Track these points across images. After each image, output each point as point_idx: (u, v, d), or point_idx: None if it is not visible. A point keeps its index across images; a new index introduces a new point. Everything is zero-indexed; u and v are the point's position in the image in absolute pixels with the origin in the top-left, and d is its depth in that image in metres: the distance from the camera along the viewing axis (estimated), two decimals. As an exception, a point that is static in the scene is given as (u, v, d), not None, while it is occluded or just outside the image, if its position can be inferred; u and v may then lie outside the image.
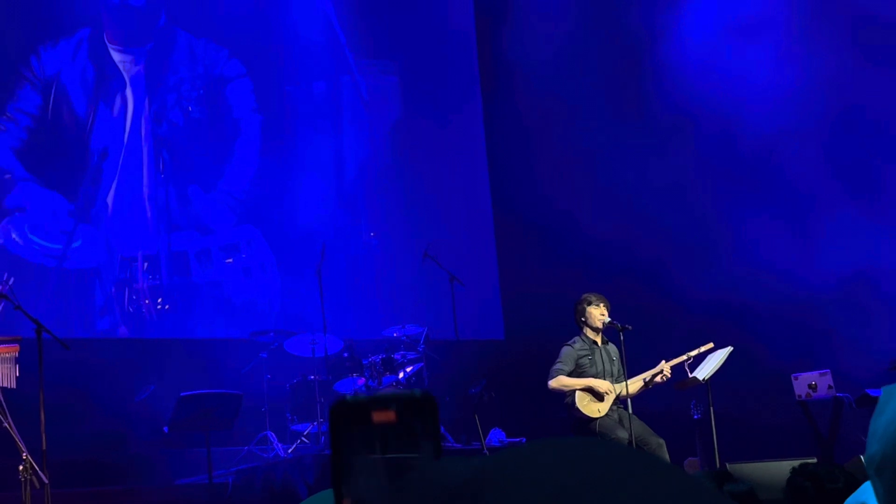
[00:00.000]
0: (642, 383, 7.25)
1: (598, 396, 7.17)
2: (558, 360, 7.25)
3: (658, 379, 7.23)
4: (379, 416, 0.79)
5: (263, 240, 10.42)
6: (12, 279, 6.30)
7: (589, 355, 7.25)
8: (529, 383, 8.52)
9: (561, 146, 10.70)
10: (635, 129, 10.29)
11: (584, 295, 7.40)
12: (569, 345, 7.31)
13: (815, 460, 4.92)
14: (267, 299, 10.33)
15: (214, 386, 8.14)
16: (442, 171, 11.37)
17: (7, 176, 9.34)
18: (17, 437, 5.85)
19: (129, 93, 10.00)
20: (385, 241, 10.98)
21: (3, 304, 6.20)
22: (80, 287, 9.49)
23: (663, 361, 7.27)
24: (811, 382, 7.75)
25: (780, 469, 4.42)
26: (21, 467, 5.77)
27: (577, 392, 7.15)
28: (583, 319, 7.33)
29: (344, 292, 10.13)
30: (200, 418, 7.65)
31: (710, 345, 7.43)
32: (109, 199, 9.76)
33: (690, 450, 8.08)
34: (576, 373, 7.22)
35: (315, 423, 8.58)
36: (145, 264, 9.81)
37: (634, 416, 7.13)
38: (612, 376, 7.25)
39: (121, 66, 10.00)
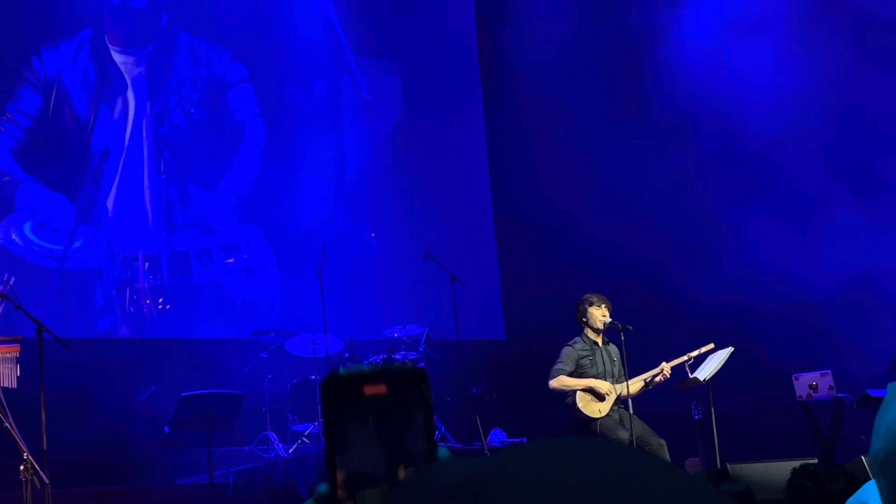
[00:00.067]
0: (643, 384, 7.25)
1: (599, 397, 7.17)
2: (559, 360, 7.25)
3: (658, 379, 7.23)
4: (370, 390, 0.80)
5: (264, 240, 10.42)
6: (13, 279, 6.30)
7: (590, 356, 7.26)
8: (530, 383, 8.52)
9: (561, 146, 10.70)
10: (636, 129, 10.29)
11: (586, 295, 7.40)
12: (569, 345, 7.31)
13: (815, 461, 4.92)
14: (268, 299, 10.34)
15: (215, 386, 8.15)
16: (443, 172, 11.38)
17: (7, 177, 9.35)
18: (17, 437, 5.85)
19: (130, 94, 10.00)
20: (386, 241, 10.98)
21: (4, 305, 6.20)
22: (81, 287, 9.49)
23: (664, 362, 7.27)
24: (812, 383, 7.74)
25: (781, 470, 4.42)
26: (22, 467, 5.77)
27: (578, 392, 7.15)
28: (584, 320, 7.33)
29: (345, 292, 10.14)
30: (201, 418, 7.65)
31: (711, 345, 7.43)
32: (110, 200, 9.77)
33: (691, 450, 8.08)
34: (576, 373, 7.22)
35: (316, 424, 8.59)
36: (146, 264, 9.81)
37: (635, 417, 7.13)
38: (612, 377, 7.25)
39: (122, 68, 10.00)
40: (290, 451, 8.44)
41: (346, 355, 8.91)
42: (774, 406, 8.69)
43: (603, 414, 7.13)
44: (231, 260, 10.24)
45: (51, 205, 9.47)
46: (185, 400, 7.69)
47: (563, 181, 10.59)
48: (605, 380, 7.22)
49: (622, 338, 7.17)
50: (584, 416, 7.12)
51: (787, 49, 9.69)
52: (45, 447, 5.93)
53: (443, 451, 0.80)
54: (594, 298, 7.35)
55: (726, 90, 9.86)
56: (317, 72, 11.05)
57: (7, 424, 5.91)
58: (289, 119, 10.88)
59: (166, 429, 7.94)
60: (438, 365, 9.33)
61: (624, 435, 6.97)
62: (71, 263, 9.46)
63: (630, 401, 7.19)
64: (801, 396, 7.82)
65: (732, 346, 7.46)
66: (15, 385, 6.14)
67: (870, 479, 3.15)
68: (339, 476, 0.79)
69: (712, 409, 7.34)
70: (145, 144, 10.02)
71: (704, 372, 7.31)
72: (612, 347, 7.40)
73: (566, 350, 7.28)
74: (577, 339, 7.34)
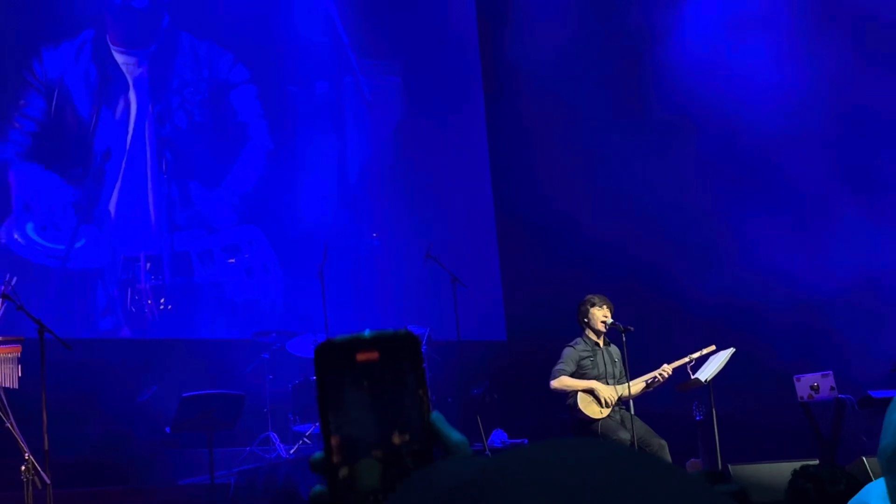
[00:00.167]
0: (644, 385, 7.25)
1: (600, 400, 7.17)
2: (560, 360, 7.25)
3: (658, 379, 7.23)
4: (363, 357, 0.81)
5: (266, 240, 10.42)
6: (15, 279, 6.31)
7: (591, 356, 7.26)
8: (531, 384, 8.52)
9: (562, 147, 10.70)
10: (637, 129, 10.28)
11: (588, 296, 7.40)
12: (571, 346, 7.31)
13: (816, 462, 4.93)
14: (269, 300, 10.34)
15: (217, 386, 8.15)
16: (444, 172, 11.38)
17: (9, 177, 9.35)
18: (19, 438, 5.85)
19: (132, 95, 10.01)
20: (387, 241, 10.99)
21: (5, 305, 6.20)
22: (82, 287, 9.50)
23: (665, 363, 7.28)
24: (813, 384, 7.74)
25: (782, 471, 4.42)
26: (23, 468, 5.78)
27: (579, 393, 7.15)
28: (585, 320, 7.34)
29: (346, 293, 10.14)
30: (203, 419, 7.66)
31: (712, 347, 7.44)
32: (112, 200, 9.77)
33: (692, 451, 8.07)
34: (577, 374, 7.22)
35: (317, 425, 8.58)
36: (148, 264, 9.82)
37: (636, 418, 7.13)
38: (613, 378, 7.25)
39: (124, 69, 10.01)
40: (292, 451, 8.45)
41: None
42: (775, 407, 8.69)
43: (604, 415, 7.13)
44: (233, 260, 10.25)
45: (53, 205, 9.47)
46: (187, 400, 7.69)
47: (564, 181, 10.59)
48: (607, 380, 7.22)
49: (623, 339, 7.17)
50: (584, 417, 7.12)
51: (788, 48, 9.69)
52: (46, 447, 5.93)
53: (436, 415, 0.81)
54: (595, 299, 7.35)
55: (728, 90, 9.86)
56: (318, 72, 11.05)
57: (8, 425, 5.92)
58: (290, 119, 10.88)
59: (167, 429, 7.95)
60: (440, 366, 9.34)
61: (625, 436, 6.97)
62: (73, 263, 9.46)
63: (631, 402, 7.19)
64: (802, 397, 7.81)
65: (734, 346, 7.46)
66: (16, 385, 6.14)
67: (870, 480, 3.14)
68: (334, 442, 0.80)
69: (713, 410, 7.34)
70: (147, 145, 10.03)
71: (706, 373, 7.31)
72: (614, 348, 7.40)
73: (567, 351, 7.28)
74: (579, 339, 7.34)
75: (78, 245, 9.51)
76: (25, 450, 5.82)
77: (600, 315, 7.27)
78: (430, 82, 11.50)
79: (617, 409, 7.20)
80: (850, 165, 9.34)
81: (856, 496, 2.78)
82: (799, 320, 9.15)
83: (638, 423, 7.08)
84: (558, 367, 7.22)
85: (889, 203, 9.26)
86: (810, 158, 9.35)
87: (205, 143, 10.35)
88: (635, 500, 0.60)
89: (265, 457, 8.46)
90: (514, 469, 0.63)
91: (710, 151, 9.97)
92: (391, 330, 0.83)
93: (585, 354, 7.25)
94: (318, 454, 0.81)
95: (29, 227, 9.33)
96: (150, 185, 9.98)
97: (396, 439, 0.80)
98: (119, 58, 10.00)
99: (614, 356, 7.34)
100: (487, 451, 8.18)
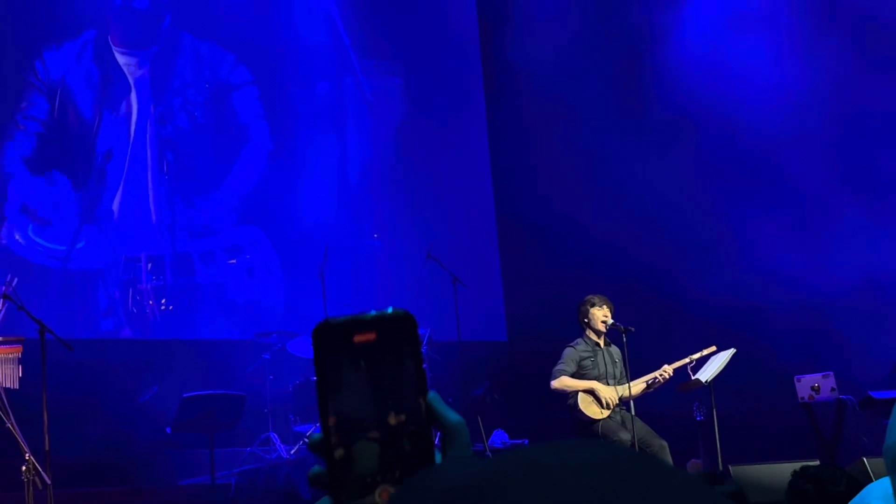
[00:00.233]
0: (645, 385, 7.26)
1: (600, 401, 7.17)
2: (560, 360, 7.26)
3: (659, 380, 7.24)
4: (360, 338, 0.81)
5: (267, 241, 10.43)
6: (16, 280, 6.31)
7: (591, 357, 7.26)
8: (532, 385, 8.52)
9: (563, 147, 10.70)
10: (638, 129, 10.29)
11: (588, 296, 7.40)
12: (571, 346, 7.31)
13: (817, 462, 4.93)
14: (270, 300, 10.34)
15: (218, 387, 8.15)
16: (445, 172, 11.38)
17: (11, 177, 9.36)
18: (19, 438, 5.86)
19: (133, 96, 10.01)
20: (388, 242, 10.99)
21: (6, 305, 6.21)
22: (83, 288, 9.50)
23: (665, 365, 7.28)
24: (814, 384, 7.74)
25: (783, 471, 4.42)
26: (24, 468, 5.78)
27: (580, 394, 7.15)
28: (586, 321, 7.34)
29: (347, 293, 10.14)
30: (203, 419, 7.66)
31: (713, 348, 7.44)
32: (114, 201, 9.78)
33: (693, 452, 8.08)
34: (578, 374, 7.22)
35: (318, 425, 8.57)
36: (149, 265, 9.82)
37: (637, 418, 7.13)
38: (614, 378, 7.25)
39: (125, 69, 10.02)
40: (292, 452, 8.45)
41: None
42: (776, 408, 8.69)
43: (605, 415, 7.13)
44: (234, 261, 10.25)
45: (54, 205, 9.48)
46: (188, 401, 7.70)
47: (565, 182, 10.59)
48: (607, 381, 7.23)
49: (624, 339, 7.17)
50: (585, 418, 7.12)
51: (788, 48, 9.68)
52: (47, 448, 5.93)
53: (433, 395, 0.81)
54: (595, 299, 7.35)
55: (728, 90, 9.85)
56: (319, 73, 11.06)
57: (9, 425, 5.92)
58: (291, 120, 10.89)
59: (168, 429, 7.95)
60: (440, 366, 9.34)
61: (626, 436, 6.97)
62: (74, 264, 9.47)
63: (632, 402, 7.19)
64: (802, 398, 7.82)
65: (734, 347, 7.46)
66: (17, 386, 6.14)
67: (871, 481, 3.15)
68: (332, 422, 0.80)
69: (714, 410, 7.34)
70: (149, 145, 10.03)
71: (706, 374, 7.31)
72: (614, 349, 7.40)
73: (568, 351, 7.28)
74: (579, 340, 7.34)
75: (79, 245, 9.52)
76: (26, 450, 5.82)
77: (600, 315, 7.27)
78: (430, 83, 11.50)
79: (617, 409, 7.20)
80: (851, 166, 9.34)
81: (856, 497, 2.78)
82: (799, 321, 9.15)
83: (638, 423, 7.08)
84: (559, 367, 7.22)
85: (890, 204, 9.26)
86: (811, 158, 9.35)
87: (206, 143, 10.35)
88: (635, 501, 0.61)
89: (266, 457, 8.46)
90: (515, 470, 0.64)
91: (711, 151, 9.97)
92: (389, 310, 0.82)
93: (586, 355, 7.26)
94: (316, 434, 0.81)
95: (30, 228, 9.34)
96: (151, 186, 9.99)
97: (393, 420, 0.80)
98: (121, 59, 10.01)
99: (615, 356, 7.34)
100: (488, 452, 8.18)
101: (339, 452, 0.80)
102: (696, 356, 7.38)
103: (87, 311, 9.51)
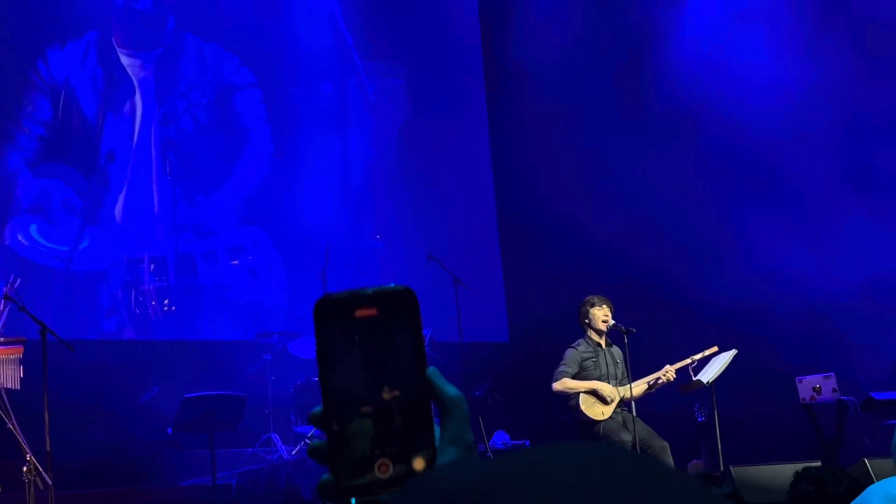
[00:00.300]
0: (646, 386, 7.25)
1: (603, 399, 7.17)
2: (562, 362, 7.26)
3: (661, 380, 7.23)
4: (361, 313, 0.82)
5: (269, 242, 10.43)
6: (18, 280, 6.32)
7: (593, 357, 7.26)
8: (533, 386, 8.52)
9: (564, 148, 10.70)
10: (640, 130, 10.29)
11: (587, 297, 7.41)
12: (573, 347, 7.31)
13: (818, 464, 4.92)
14: (273, 301, 10.35)
15: (219, 388, 8.15)
16: (446, 173, 11.38)
17: (14, 178, 9.36)
18: (21, 439, 5.86)
19: (137, 97, 10.02)
20: (389, 242, 10.99)
21: (8, 306, 6.21)
22: (86, 289, 9.51)
23: (667, 365, 7.27)
24: (816, 385, 7.74)
25: (784, 472, 4.42)
26: (25, 468, 5.78)
27: (581, 395, 7.15)
28: (586, 321, 7.34)
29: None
30: (204, 420, 7.66)
31: (715, 348, 7.43)
32: (117, 202, 9.79)
33: (694, 452, 8.08)
34: (580, 375, 7.22)
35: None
36: (152, 266, 9.83)
37: (638, 419, 7.13)
38: (615, 379, 7.25)
39: (129, 71, 10.03)
40: (294, 452, 8.45)
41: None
42: (778, 408, 8.68)
43: (606, 416, 7.13)
44: (236, 262, 10.26)
45: (57, 206, 9.48)
46: (188, 401, 7.70)
47: (566, 182, 10.59)
48: (609, 382, 7.22)
49: (625, 340, 7.17)
50: (587, 419, 7.11)
51: (789, 47, 9.68)
52: (48, 448, 5.94)
53: (432, 370, 0.81)
54: (595, 299, 7.35)
55: (730, 90, 9.85)
56: (323, 74, 11.06)
57: (10, 426, 5.92)
58: (294, 121, 10.89)
59: (169, 430, 7.95)
60: (442, 367, 9.31)
61: (627, 437, 6.97)
62: (77, 265, 9.47)
63: (633, 403, 7.19)
64: (804, 399, 7.81)
65: (736, 348, 7.46)
66: (18, 386, 6.15)
67: (872, 482, 3.15)
68: (331, 397, 0.81)
69: (715, 411, 7.34)
70: (153, 147, 10.04)
71: (708, 374, 7.31)
72: (616, 349, 7.40)
73: (569, 352, 7.28)
74: (581, 341, 7.34)
75: (82, 246, 9.52)
76: (27, 451, 5.82)
77: (601, 315, 7.27)
78: (432, 84, 11.51)
79: (619, 410, 7.19)
80: (852, 165, 9.34)
81: (857, 498, 2.79)
82: (801, 321, 9.15)
83: (640, 424, 7.08)
84: (560, 368, 7.22)
85: (891, 204, 9.26)
86: (812, 158, 9.35)
87: (210, 145, 10.36)
88: (635, 502, 0.61)
89: (267, 458, 8.46)
90: (515, 472, 0.64)
91: (712, 151, 9.97)
92: (389, 286, 0.83)
93: (588, 355, 7.25)
94: (317, 408, 0.82)
95: (33, 229, 9.34)
96: (154, 187, 9.99)
97: (387, 395, 0.80)
98: (125, 60, 10.01)
99: (616, 357, 7.34)
100: (489, 453, 8.18)
101: (338, 427, 0.80)
102: (698, 357, 7.38)
103: (90, 312, 9.51)
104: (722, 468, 6.94)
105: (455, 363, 9.51)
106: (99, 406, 8.46)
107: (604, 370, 7.23)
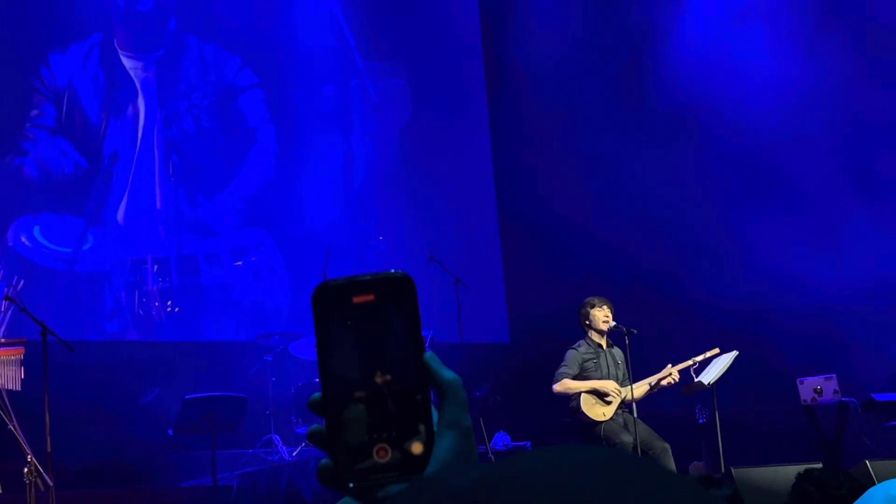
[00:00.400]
0: (648, 387, 7.25)
1: (604, 400, 7.16)
2: (563, 363, 7.25)
3: (664, 382, 7.23)
4: (359, 299, 0.82)
5: (272, 243, 10.44)
6: (21, 282, 6.33)
7: (594, 359, 7.25)
8: (534, 387, 8.52)
9: (565, 149, 10.70)
10: (640, 130, 10.28)
11: (588, 298, 7.41)
12: (573, 348, 7.31)
13: (820, 465, 4.92)
14: (276, 302, 10.35)
15: (220, 389, 8.16)
16: (447, 174, 11.39)
17: (17, 180, 9.37)
18: (22, 440, 5.87)
19: (140, 99, 10.03)
20: (391, 243, 10.99)
21: (11, 308, 6.22)
22: (90, 290, 9.51)
23: (669, 365, 7.27)
24: (817, 387, 7.74)
25: (786, 474, 4.42)
26: (26, 470, 5.79)
27: (583, 395, 7.15)
28: (587, 322, 7.34)
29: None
30: (205, 421, 7.66)
31: (716, 350, 7.43)
32: (120, 203, 9.79)
33: (696, 454, 8.07)
34: (580, 376, 7.22)
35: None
36: (155, 267, 9.83)
37: (639, 420, 7.13)
38: (616, 380, 7.25)
39: (132, 73, 10.03)
40: (294, 454, 8.45)
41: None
42: (779, 410, 8.68)
43: (607, 417, 7.13)
44: (240, 263, 10.26)
45: (60, 207, 9.49)
46: (189, 402, 7.70)
47: (567, 183, 10.59)
48: (610, 383, 7.22)
49: (626, 341, 7.17)
50: (588, 420, 7.11)
51: (791, 48, 9.67)
52: (49, 449, 5.94)
53: (430, 355, 0.82)
54: (595, 300, 7.35)
55: (731, 90, 9.85)
56: (325, 75, 11.07)
57: (11, 427, 5.93)
58: (297, 122, 10.89)
59: (170, 431, 7.96)
60: (443, 368, 9.32)
61: (628, 439, 6.97)
62: (80, 266, 9.48)
63: (634, 404, 7.19)
64: (805, 400, 7.81)
65: (737, 349, 7.46)
66: (19, 387, 6.15)
67: (874, 483, 3.14)
68: (329, 383, 0.81)
69: (716, 412, 7.34)
70: (155, 148, 10.05)
71: (709, 376, 7.31)
72: (617, 351, 7.40)
73: (570, 353, 7.28)
74: (581, 342, 7.34)
75: (85, 248, 9.53)
76: (28, 452, 5.83)
77: (601, 316, 7.27)
78: (433, 85, 11.51)
79: (620, 411, 7.19)
80: (854, 166, 9.34)
81: (859, 499, 2.79)
82: (802, 323, 9.14)
83: (641, 425, 7.08)
84: (561, 370, 7.22)
85: (892, 205, 9.25)
86: (813, 159, 9.35)
87: (212, 146, 10.37)
88: (635, 504, 0.61)
89: (268, 459, 8.46)
90: (517, 475, 0.64)
91: (713, 152, 9.97)
92: (387, 272, 0.83)
93: (588, 356, 7.25)
94: (316, 394, 0.82)
95: (36, 230, 9.35)
96: (157, 189, 10.00)
97: (379, 379, 0.81)
98: (127, 62, 10.02)
99: (617, 358, 7.34)
100: (490, 455, 8.18)
101: (334, 411, 0.80)
102: (699, 358, 7.38)
103: (93, 313, 9.52)
104: (723, 469, 6.94)
105: (456, 364, 9.49)
106: (100, 407, 8.46)
107: (605, 371, 7.23)
